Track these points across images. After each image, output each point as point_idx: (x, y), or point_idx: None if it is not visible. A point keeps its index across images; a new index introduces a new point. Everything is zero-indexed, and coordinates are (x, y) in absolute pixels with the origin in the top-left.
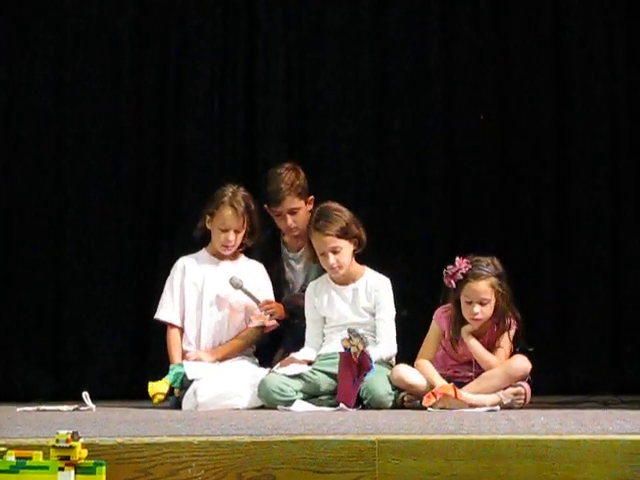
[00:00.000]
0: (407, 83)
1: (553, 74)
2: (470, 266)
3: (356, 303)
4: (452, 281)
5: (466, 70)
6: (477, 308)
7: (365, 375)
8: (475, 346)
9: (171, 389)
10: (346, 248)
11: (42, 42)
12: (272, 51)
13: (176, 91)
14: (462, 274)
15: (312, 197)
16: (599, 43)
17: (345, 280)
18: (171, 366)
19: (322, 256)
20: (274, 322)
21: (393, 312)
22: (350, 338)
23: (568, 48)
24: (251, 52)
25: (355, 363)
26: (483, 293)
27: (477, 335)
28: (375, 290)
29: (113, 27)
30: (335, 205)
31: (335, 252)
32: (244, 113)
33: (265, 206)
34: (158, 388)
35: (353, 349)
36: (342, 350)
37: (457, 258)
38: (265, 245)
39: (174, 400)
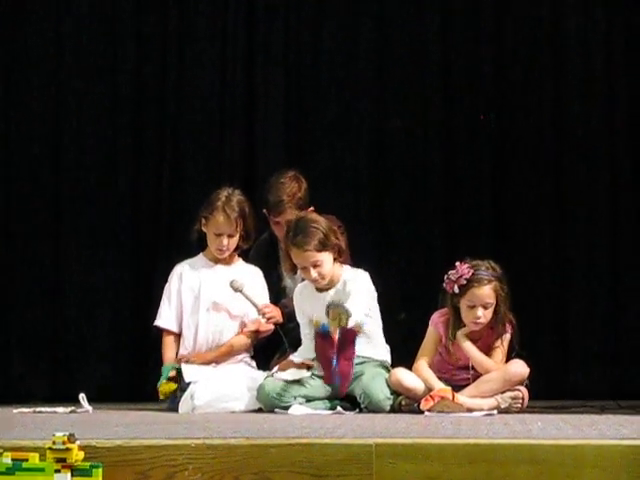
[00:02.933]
0: (406, 90)
1: (552, 76)
2: (472, 271)
3: None
4: (455, 286)
5: (465, 74)
6: (480, 312)
7: (352, 353)
8: (470, 349)
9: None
10: (326, 259)
11: (39, 50)
12: (271, 59)
13: (175, 99)
14: (465, 279)
15: (312, 208)
16: (598, 43)
17: (327, 286)
18: (163, 367)
19: (303, 270)
20: (270, 326)
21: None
22: (329, 312)
23: (567, 51)
24: (250, 60)
25: (334, 341)
26: (487, 297)
27: (473, 339)
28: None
29: (112, 45)
30: (310, 216)
31: (316, 266)
32: (243, 119)
33: (264, 211)
34: (167, 388)
35: (332, 325)
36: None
37: (457, 263)
38: (264, 253)
39: (172, 402)
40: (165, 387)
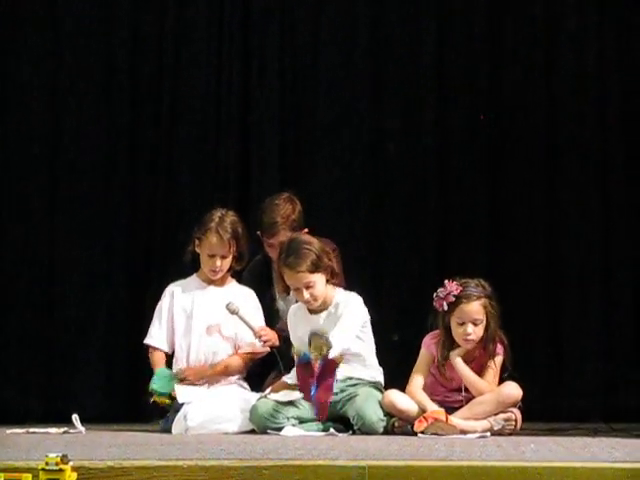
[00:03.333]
0: (404, 90)
1: (547, 75)
2: (461, 288)
3: (328, 330)
4: (444, 303)
5: (462, 73)
6: (470, 328)
7: (331, 383)
8: (463, 369)
9: (164, 413)
10: (319, 281)
11: (39, 51)
12: (267, 61)
13: (171, 101)
14: (454, 296)
15: (306, 230)
16: (593, 42)
17: (320, 308)
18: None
19: (296, 291)
20: (266, 349)
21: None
22: (312, 341)
23: (562, 50)
24: (246, 72)
25: (314, 370)
26: (476, 313)
27: (465, 361)
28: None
29: (109, 45)
30: (303, 238)
31: (308, 287)
32: (239, 122)
33: (258, 233)
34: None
35: (314, 355)
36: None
37: (446, 281)
38: (257, 274)
39: (165, 423)
40: (160, 399)
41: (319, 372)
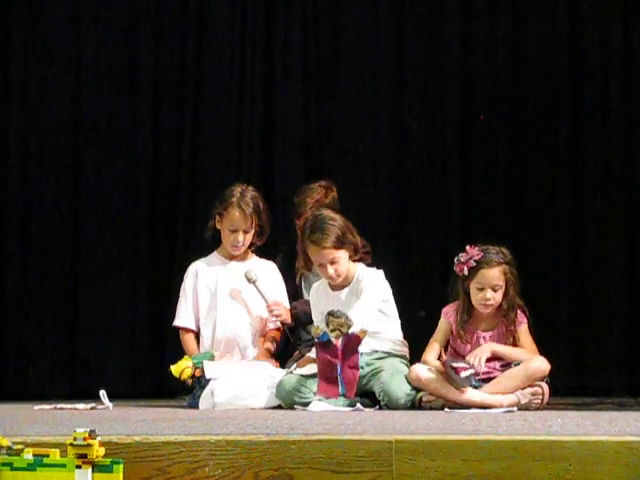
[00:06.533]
0: (424, 84)
1: (569, 70)
2: (482, 253)
3: (349, 306)
4: (465, 268)
5: (482, 69)
6: (489, 293)
7: (356, 359)
8: (503, 350)
9: (190, 389)
10: (343, 257)
11: (59, 51)
12: (290, 64)
13: (194, 101)
14: (475, 261)
15: None
16: (615, 40)
17: (341, 284)
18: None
19: (320, 267)
20: (277, 324)
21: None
22: (329, 322)
23: (584, 46)
24: (268, 61)
25: (336, 348)
26: (495, 279)
27: (486, 329)
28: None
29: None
30: (328, 213)
31: (333, 263)
32: (261, 124)
33: (296, 221)
34: (183, 364)
35: (334, 334)
36: (318, 340)
37: (467, 246)
38: (282, 263)
39: (191, 399)
40: (181, 367)
41: (342, 350)
